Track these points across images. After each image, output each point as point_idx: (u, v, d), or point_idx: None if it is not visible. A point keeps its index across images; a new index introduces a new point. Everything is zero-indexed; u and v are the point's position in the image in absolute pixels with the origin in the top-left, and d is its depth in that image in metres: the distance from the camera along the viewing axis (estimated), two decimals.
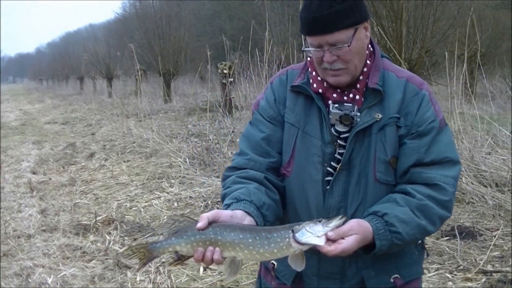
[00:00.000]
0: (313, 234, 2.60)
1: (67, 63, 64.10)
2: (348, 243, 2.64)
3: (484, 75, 14.53)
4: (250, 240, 2.64)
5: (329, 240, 2.62)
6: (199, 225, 2.62)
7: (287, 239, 2.63)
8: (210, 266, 7.04)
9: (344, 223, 2.65)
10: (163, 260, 6.88)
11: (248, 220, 2.75)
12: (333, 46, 2.84)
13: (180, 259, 2.75)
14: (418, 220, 2.83)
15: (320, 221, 2.62)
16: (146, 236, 8.56)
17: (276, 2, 26.91)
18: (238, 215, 2.73)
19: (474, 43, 13.74)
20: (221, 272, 7.01)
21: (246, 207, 2.79)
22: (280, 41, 24.84)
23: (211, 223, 2.64)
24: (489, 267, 6.89)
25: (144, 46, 32.48)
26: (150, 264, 6.27)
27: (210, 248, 2.63)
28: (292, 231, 2.63)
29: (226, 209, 2.80)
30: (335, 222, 2.62)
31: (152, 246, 2.76)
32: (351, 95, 2.99)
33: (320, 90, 3.03)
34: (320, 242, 2.60)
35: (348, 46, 2.83)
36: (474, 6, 12.02)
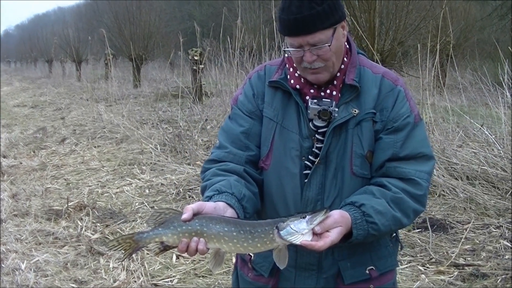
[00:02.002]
0: (298, 232, 2.63)
1: (36, 46, 63.65)
2: (334, 235, 2.70)
3: (456, 67, 14.65)
4: (234, 234, 2.67)
5: (315, 235, 2.68)
6: (185, 216, 2.65)
7: (271, 235, 2.67)
8: (183, 255, 7.07)
9: (326, 218, 2.70)
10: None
11: (229, 212, 2.78)
12: (314, 46, 2.89)
13: (166, 249, 2.77)
14: (394, 212, 2.89)
15: (304, 217, 2.64)
16: (118, 222, 8.56)
17: None
18: (221, 207, 2.77)
19: (447, 35, 13.88)
20: (194, 260, 7.04)
21: (228, 199, 2.82)
22: (251, 28, 24.85)
23: (195, 214, 2.68)
24: (461, 260, 6.98)
25: (114, 31, 32.21)
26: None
27: (195, 238, 2.66)
28: (277, 227, 2.66)
29: (208, 201, 2.82)
30: (320, 218, 2.65)
31: (138, 236, 2.77)
32: (328, 91, 3.04)
33: (298, 86, 3.08)
34: (306, 239, 2.64)
35: (329, 45, 2.88)
36: None
